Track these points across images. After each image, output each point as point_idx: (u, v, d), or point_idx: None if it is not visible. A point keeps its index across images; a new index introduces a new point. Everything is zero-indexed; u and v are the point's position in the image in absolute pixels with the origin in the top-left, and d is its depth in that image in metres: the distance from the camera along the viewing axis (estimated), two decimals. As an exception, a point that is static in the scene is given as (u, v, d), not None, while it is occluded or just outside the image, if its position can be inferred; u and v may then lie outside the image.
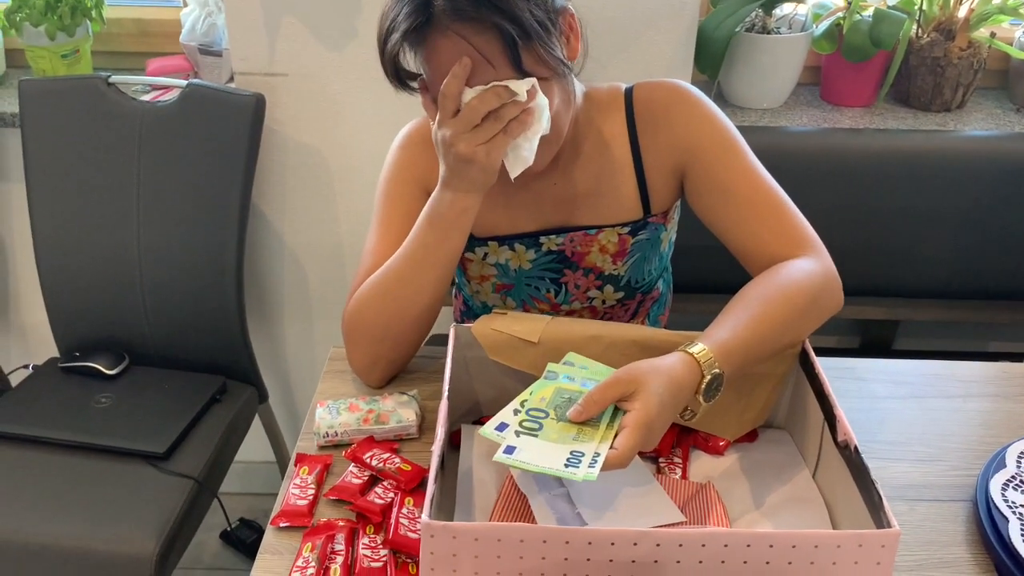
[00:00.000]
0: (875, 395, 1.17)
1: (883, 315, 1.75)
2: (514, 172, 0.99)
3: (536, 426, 0.87)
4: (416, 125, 1.19)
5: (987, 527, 0.93)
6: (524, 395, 0.92)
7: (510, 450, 0.84)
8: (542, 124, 0.97)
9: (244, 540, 1.98)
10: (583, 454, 0.82)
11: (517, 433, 0.86)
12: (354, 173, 1.69)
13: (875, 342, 1.90)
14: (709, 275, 1.62)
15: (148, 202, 1.61)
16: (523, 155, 0.98)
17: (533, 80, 0.95)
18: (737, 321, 0.93)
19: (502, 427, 0.88)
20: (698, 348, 0.89)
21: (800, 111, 1.77)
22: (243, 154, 1.57)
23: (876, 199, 1.66)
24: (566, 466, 0.81)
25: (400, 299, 1.08)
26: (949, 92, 1.73)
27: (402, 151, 1.17)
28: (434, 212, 1.05)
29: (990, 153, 1.66)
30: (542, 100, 0.96)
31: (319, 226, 1.76)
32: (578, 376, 0.93)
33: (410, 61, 1.00)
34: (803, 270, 1.01)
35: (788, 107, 1.78)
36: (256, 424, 1.76)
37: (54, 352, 1.72)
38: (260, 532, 1.98)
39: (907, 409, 1.14)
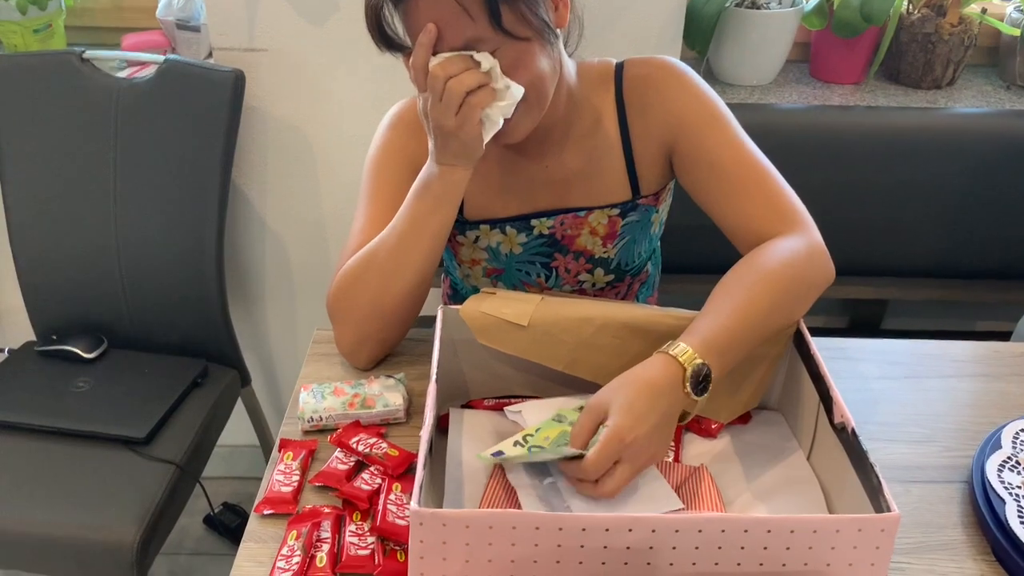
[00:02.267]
0: (867, 376, 1.15)
1: (872, 295, 1.74)
2: (486, 136, 0.97)
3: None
4: (406, 105, 1.16)
5: (983, 509, 0.92)
6: (529, 431, 0.91)
7: (499, 454, 0.86)
8: (511, 97, 0.95)
9: (228, 525, 1.96)
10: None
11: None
12: (337, 151, 1.66)
13: (864, 322, 1.89)
14: (698, 255, 1.60)
15: (125, 182, 1.57)
16: (494, 120, 0.96)
17: (495, 62, 0.92)
18: (720, 311, 0.91)
19: (498, 455, 0.89)
20: (677, 348, 0.87)
21: (789, 88, 1.75)
22: (222, 132, 1.53)
23: (866, 177, 1.64)
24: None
25: (387, 274, 1.05)
26: (940, 69, 1.72)
27: (392, 132, 1.14)
28: (423, 185, 1.03)
29: (980, 131, 1.64)
30: (502, 77, 0.94)
31: (301, 206, 1.73)
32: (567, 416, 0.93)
33: (397, 28, 0.97)
34: (788, 249, 0.98)
35: (777, 84, 1.76)
36: (239, 407, 1.73)
37: (30, 335, 1.68)
38: (244, 517, 1.96)
39: (900, 390, 1.13)
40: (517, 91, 0.94)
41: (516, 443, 0.90)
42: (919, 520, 0.93)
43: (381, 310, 1.07)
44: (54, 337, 1.62)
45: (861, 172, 1.64)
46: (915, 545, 0.90)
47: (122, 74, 1.60)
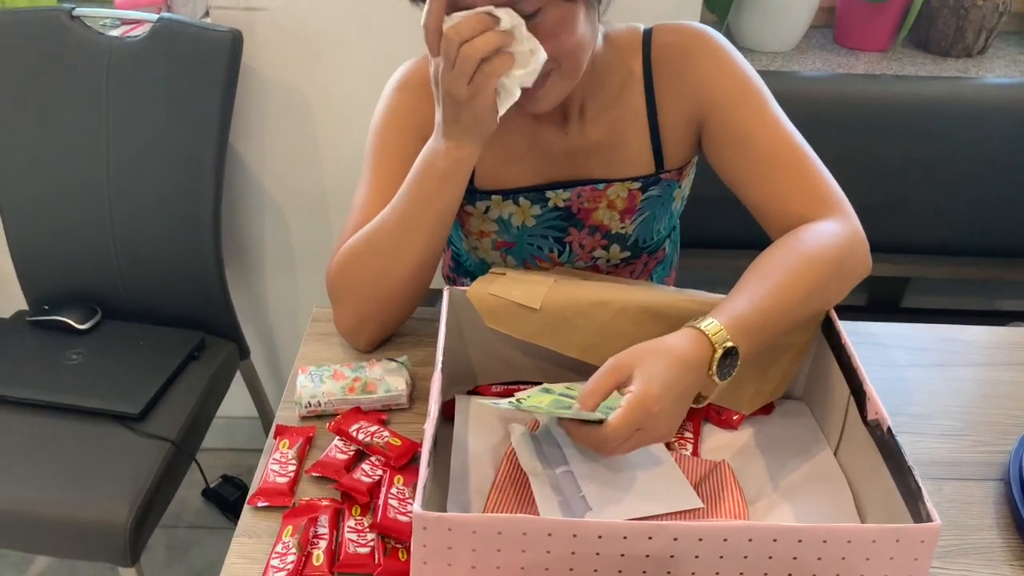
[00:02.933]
0: (896, 363, 1.10)
1: (893, 272, 1.68)
2: (502, 108, 0.89)
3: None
4: (415, 65, 1.08)
5: (1021, 510, 0.86)
6: (520, 395, 0.85)
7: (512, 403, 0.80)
8: (535, 63, 0.86)
9: (227, 498, 1.92)
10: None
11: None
12: (339, 116, 1.59)
13: (883, 299, 1.83)
14: (718, 230, 1.54)
15: (118, 146, 1.51)
16: (510, 90, 0.88)
17: (520, 21, 0.84)
18: (754, 292, 0.85)
19: (512, 403, 0.82)
20: (708, 323, 0.81)
21: (813, 55, 1.68)
22: (219, 94, 1.46)
23: (891, 149, 1.57)
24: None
25: (389, 256, 0.99)
26: (971, 36, 1.64)
27: (399, 95, 1.07)
28: (427, 162, 0.95)
29: (1013, 102, 1.57)
30: (527, 38, 0.85)
31: (302, 172, 1.66)
32: (577, 390, 0.85)
33: None
34: (828, 233, 0.92)
35: (800, 51, 1.69)
36: (239, 378, 1.68)
37: (22, 305, 1.63)
38: (243, 489, 1.92)
39: (930, 379, 1.07)
40: (541, 56, 0.86)
41: (510, 402, 0.82)
42: (952, 521, 0.88)
43: (382, 292, 1.01)
44: (46, 307, 1.56)
45: (886, 144, 1.57)
46: (948, 549, 0.85)
47: (114, 33, 1.53)
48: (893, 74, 1.61)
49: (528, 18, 0.85)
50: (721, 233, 1.53)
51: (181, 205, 1.52)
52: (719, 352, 0.80)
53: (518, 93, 0.88)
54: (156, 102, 1.48)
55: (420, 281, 1.02)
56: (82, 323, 1.54)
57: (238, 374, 1.67)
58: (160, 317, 1.58)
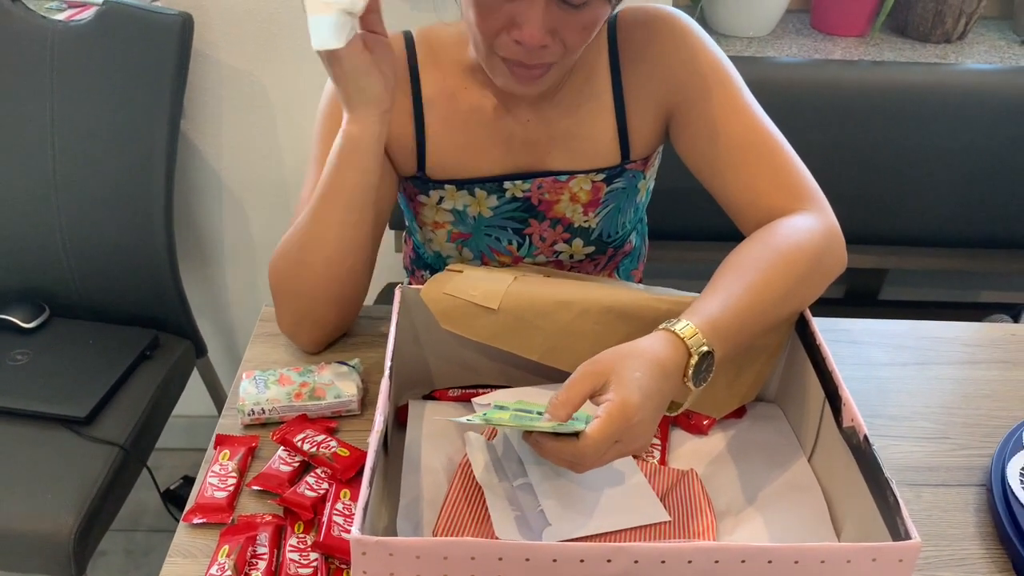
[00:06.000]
0: (872, 361, 1.05)
1: (872, 263, 1.63)
2: (336, 38, 0.79)
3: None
4: None
5: (1004, 518, 0.82)
6: (477, 415, 0.78)
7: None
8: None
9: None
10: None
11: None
12: (298, 102, 1.52)
13: (861, 291, 1.79)
14: (689, 220, 1.49)
15: (64, 135, 1.43)
16: (339, 22, 0.79)
17: None
18: (730, 291, 0.80)
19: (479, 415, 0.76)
20: (682, 325, 0.75)
21: (789, 40, 1.63)
22: (169, 81, 1.39)
23: (869, 137, 1.52)
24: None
25: (304, 247, 0.93)
26: (951, 21, 1.59)
27: None
28: (333, 145, 0.90)
29: (992, 88, 1.52)
30: None
31: (260, 162, 1.60)
32: (534, 404, 0.79)
33: None
34: (804, 228, 0.87)
35: (776, 36, 1.64)
36: (200, 376, 1.62)
37: (-36, 302, 1.55)
38: (204, 491, 1.86)
39: (908, 378, 1.03)
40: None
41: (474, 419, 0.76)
42: (931, 531, 0.83)
43: (305, 289, 0.95)
44: (-10, 305, 1.49)
45: (864, 131, 1.52)
46: (927, 560, 0.81)
47: (59, 17, 1.45)
48: (871, 60, 1.56)
49: (572, 6, 0.81)
50: (692, 224, 1.48)
51: (131, 197, 1.45)
52: (695, 358, 0.74)
53: (331, 40, 0.79)
54: (103, 89, 1.41)
55: (344, 276, 0.95)
56: (28, 321, 1.46)
57: (196, 373, 1.61)
58: (111, 315, 1.51)
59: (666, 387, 0.73)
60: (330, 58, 0.83)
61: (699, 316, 0.76)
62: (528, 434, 0.74)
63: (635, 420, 0.69)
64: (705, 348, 0.74)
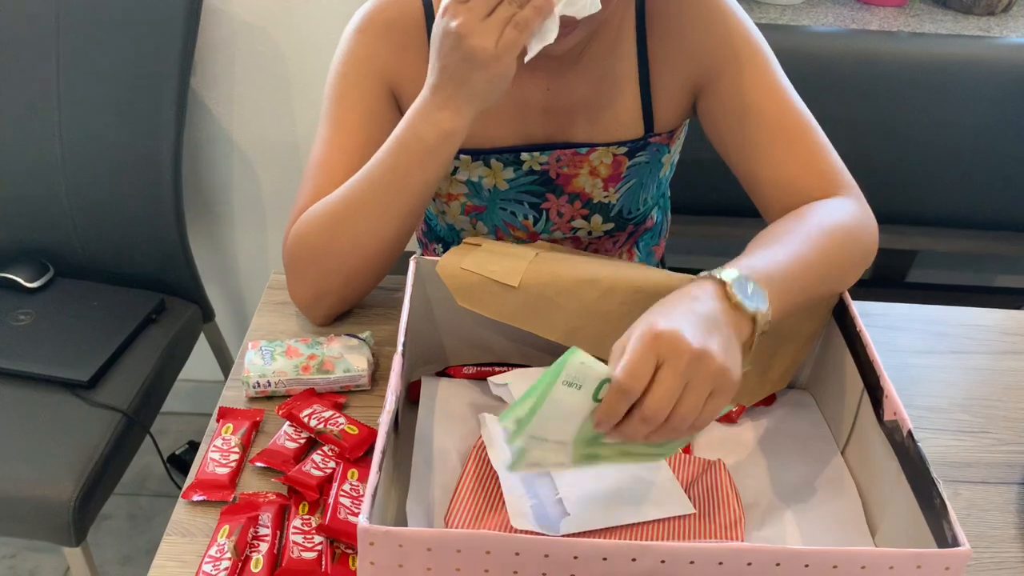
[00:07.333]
0: (907, 348, 1.00)
1: (903, 244, 1.58)
2: (532, 50, 0.76)
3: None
4: (378, 4, 0.96)
5: (1048, 521, 0.77)
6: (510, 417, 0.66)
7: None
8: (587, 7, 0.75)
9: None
10: None
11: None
12: (311, 60, 1.47)
13: (889, 273, 1.73)
14: (711, 195, 1.44)
15: (70, 91, 1.39)
16: (548, 27, 0.76)
17: None
18: (772, 254, 0.74)
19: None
20: (724, 273, 0.68)
21: (824, 9, 1.56)
22: (179, 37, 1.34)
23: (905, 113, 1.46)
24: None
25: (358, 231, 0.88)
26: (996, -8, 1.52)
27: (361, 37, 0.94)
28: (412, 132, 0.83)
29: (1037, 64, 1.46)
30: None
31: (272, 122, 1.55)
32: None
33: None
34: (841, 210, 0.83)
35: (811, 4, 1.58)
36: (205, 340, 1.58)
37: (-33, 260, 1.51)
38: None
39: (944, 367, 0.98)
40: (593, 3, 0.74)
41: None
42: (969, 531, 0.79)
43: (346, 267, 0.90)
44: (-7, 263, 1.45)
45: (899, 106, 1.46)
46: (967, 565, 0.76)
47: (66, -34, 1.40)
48: (910, 31, 1.50)
49: None
50: (718, 198, 1.43)
51: (139, 156, 1.40)
52: (734, 288, 0.66)
53: (554, 32, 0.75)
54: (110, 45, 1.36)
55: (388, 258, 0.91)
56: (32, 281, 1.43)
57: (202, 338, 1.57)
58: (117, 276, 1.47)
59: (701, 308, 0.65)
60: (510, 61, 0.76)
61: (741, 268, 0.69)
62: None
63: (666, 329, 0.61)
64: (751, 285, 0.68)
